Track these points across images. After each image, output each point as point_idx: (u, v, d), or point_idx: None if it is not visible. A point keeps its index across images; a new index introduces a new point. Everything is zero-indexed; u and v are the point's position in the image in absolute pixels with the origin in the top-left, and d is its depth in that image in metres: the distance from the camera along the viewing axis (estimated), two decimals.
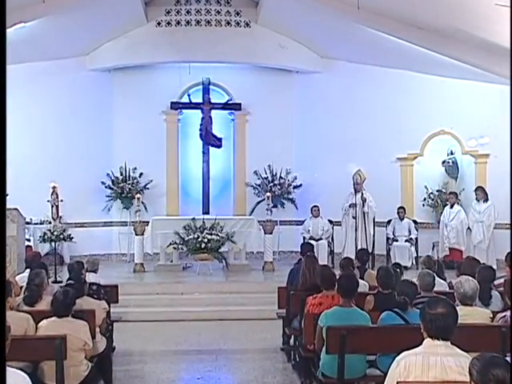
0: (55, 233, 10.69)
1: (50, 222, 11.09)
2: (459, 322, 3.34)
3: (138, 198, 11.80)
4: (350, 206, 11.67)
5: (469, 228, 11.56)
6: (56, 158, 12.35)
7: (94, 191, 12.86)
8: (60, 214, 11.25)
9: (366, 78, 12.80)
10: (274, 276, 10.91)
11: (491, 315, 4.93)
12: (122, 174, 13.00)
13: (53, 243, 10.77)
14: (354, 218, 11.59)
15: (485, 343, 4.37)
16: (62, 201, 11.10)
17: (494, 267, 10.23)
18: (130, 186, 12.84)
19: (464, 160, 12.35)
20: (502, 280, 6.09)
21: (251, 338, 8.13)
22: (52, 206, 10.88)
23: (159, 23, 12.71)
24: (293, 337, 6.94)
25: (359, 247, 10.74)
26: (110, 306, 6.69)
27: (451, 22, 9.47)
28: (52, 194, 10.81)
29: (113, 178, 12.98)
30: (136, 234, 11.42)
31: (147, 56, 12.71)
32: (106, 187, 12.94)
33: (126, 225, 12.95)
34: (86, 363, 5.10)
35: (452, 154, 12.43)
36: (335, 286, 5.37)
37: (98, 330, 5.77)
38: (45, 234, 10.79)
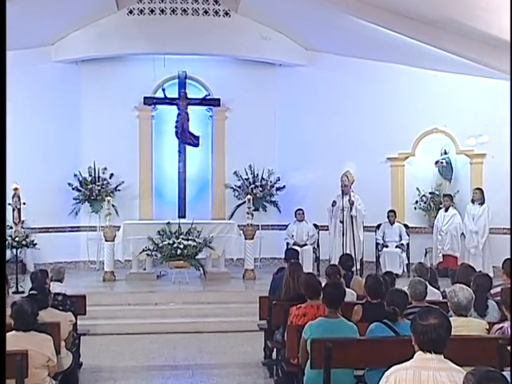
0: (17, 239, 10.58)
1: (11, 227, 10.95)
2: (453, 333, 3.35)
3: (109, 201, 11.72)
4: (332, 205, 11.69)
5: (463, 233, 11.64)
6: (17, 158, 12.17)
7: (60, 193, 12.74)
8: (22, 218, 11.13)
9: (354, 71, 12.86)
10: (255, 285, 10.94)
11: (487, 326, 4.96)
12: (90, 175, 12.92)
13: (14, 250, 10.65)
14: (342, 222, 11.61)
15: (480, 356, 4.39)
16: (24, 204, 10.98)
17: (491, 275, 10.36)
18: (99, 188, 12.76)
19: (458, 160, 12.44)
20: (498, 289, 6.13)
21: (230, 351, 8.12)
22: (13, 210, 10.76)
23: (131, 11, 12.64)
24: (275, 350, 6.92)
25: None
26: (76, 318, 6.63)
27: (445, 12, 9.52)
28: (13, 197, 10.68)
29: (81, 178, 12.89)
30: (106, 240, 11.34)
31: (118, 47, 12.63)
32: (73, 189, 12.85)
33: (95, 230, 12.85)
34: (50, 381, 5.04)
35: (446, 153, 12.51)
36: (320, 296, 5.37)
37: (63, 344, 5.72)
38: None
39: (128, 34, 12.47)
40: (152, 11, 12.69)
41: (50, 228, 12.72)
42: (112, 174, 13.01)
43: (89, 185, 12.81)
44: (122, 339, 8.65)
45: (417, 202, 12.55)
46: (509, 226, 10.88)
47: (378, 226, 12.34)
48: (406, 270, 11.85)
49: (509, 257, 7.15)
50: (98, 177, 12.93)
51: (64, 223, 12.94)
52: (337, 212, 11.71)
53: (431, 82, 12.22)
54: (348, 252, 10.86)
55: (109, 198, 11.90)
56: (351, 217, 11.62)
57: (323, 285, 5.52)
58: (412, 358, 3.30)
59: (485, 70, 10.45)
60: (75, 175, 12.88)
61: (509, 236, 10.40)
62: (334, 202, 11.69)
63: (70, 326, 6.12)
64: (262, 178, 13.32)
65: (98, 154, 12.88)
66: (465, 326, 4.84)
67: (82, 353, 7.14)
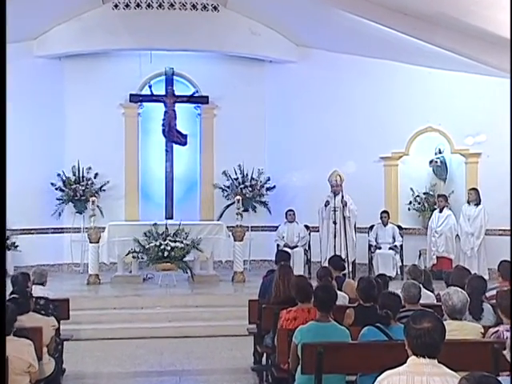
0: None
1: None
2: (447, 337, 3.35)
3: (93, 202, 11.69)
4: (325, 205, 11.67)
5: (458, 235, 11.67)
6: None
7: (43, 193, 12.68)
8: None
9: (346, 68, 12.87)
10: (244, 288, 10.93)
11: (482, 330, 4.97)
12: (74, 174, 12.88)
13: None
14: (335, 223, 11.58)
15: (475, 361, 4.40)
16: None
17: (486, 277, 10.39)
18: (83, 188, 12.72)
19: (453, 160, 12.48)
20: (494, 292, 6.14)
21: (219, 356, 8.10)
22: None
23: (116, 5, 12.59)
24: (265, 355, 6.92)
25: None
26: (59, 323, 6.59)
27: (440, 7, 9.54)
28: None
29: (64, 178, 12.84)
30: (90, 242, 11.30)
31: (103, 42, 12.59)
32: (56, 189, 12.79)
33: (79, 231, 12.82)
34: None
35: (440, 152, 12.54)
36: (311, 299, 5.37)
37: (45, 350, 5.68)
38: None
39: (113, 28, 12.43)
40: (138, 5, 12.64)
41: (31, 229, 12.65)
42: (97, 174, 12.97)
43: (72, 185, 12.75)
44: (106, 344, 8.60)
45: (410, 202, 12.57)
46: (505, 228, 10.93)
47: (371, 228, 12.36)
48: (399, 272, 11.87)
49: (504, 259, 7.19)
50: (83, 176, 12.89)
51: (47, 224, 12.87)
52: (329, 213, 11.69)
53: (425, 80, 12.25)
54: (341, 254, 10.85)
55: (93, 198, 11.87)
56: (344, 217, 11.60)
57: (315, 287, 5.51)
58: (405, 362, 3.30)
59: (481, 68, 10.47)
60: (58, 175, 12.83)
61: (505, 237, 10.48)
62: (328, 201, 11.66)
63: (53, 331, 6.08)
64: (252, 178, 13.30)
65: (82, 153, 12.83)
66: (459, 329, 4.85)
67: (65, 359, 7.09)
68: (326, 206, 11.71)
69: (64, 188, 12.80)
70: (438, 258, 11.68)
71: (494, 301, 5.60)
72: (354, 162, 12.28)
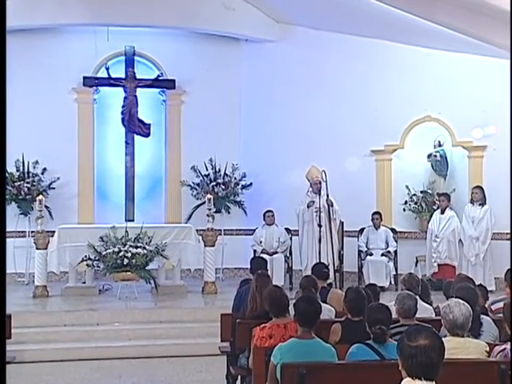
0: None
1: None
2: (447, 356, 3.35)
3: (40, 201, 11.58)
4: (308, 206, 11.68)
5: (460, 240, 11.73)
6: None
7: None
8: None
9: (333, 48, 12.92)
10: (216, 300, 10.97)
11: (487, 348, 4.97)
12: (18, 170, 12.83)
13: None
14: (320, 225, 11.59)
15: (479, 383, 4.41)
16: None
17: (492, 288, 10.46)
18: (29, 186, 12.66)
19: (455, 153, 12.55)
20: (501, 304, 6.16)
21: (187, 380, 8.09)
22: None
23: None
24: (240, 378, 6.91)
25: (326, 262, 10.71)
26: None
27: None
28: None
29: (6, 174, 12.71)
30: (37, 248, 11.22)
31: (51, 15, 12.51)
32: None
33: (24, 236, 12.77)
34: None
35: (440, 145, 12.62)
36: (287, 312, 5.37)
37: None
38: None
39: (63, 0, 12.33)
40: None
41: None
42: (45, 169, 12.92)
43: (16, 182, 12.69)
44: (55, 367, 8.54)
45: (406, 202, 12.64)
46: None
47: (361, 231, 12.39)
48: (393, 281, 11.93)
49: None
50: (28, 172, 12.84)
51: None
52: (312, 214, 11.69)
53: (424, 62, 12.32)
54: (327, 261, 10.87)
55: (41, 197, 11.74)
56: (329, 220, 11.60)
57: (296, 299, 5.49)
58: None
59: (486, 48, 10.51)
60: None
61: None
62: (313, 201, 11.64)
63: None
64: (225, 174, 13.32)
65: (27, 145, 12.74)
66: (461, 347, 4.85)
67: None
68: (308, 206, 11.69)
69: (6, 185, 12.69)
70: (439, 265, 11.71)
71: (501, 314, 5.62)
72: (341, 157, 12.33)
